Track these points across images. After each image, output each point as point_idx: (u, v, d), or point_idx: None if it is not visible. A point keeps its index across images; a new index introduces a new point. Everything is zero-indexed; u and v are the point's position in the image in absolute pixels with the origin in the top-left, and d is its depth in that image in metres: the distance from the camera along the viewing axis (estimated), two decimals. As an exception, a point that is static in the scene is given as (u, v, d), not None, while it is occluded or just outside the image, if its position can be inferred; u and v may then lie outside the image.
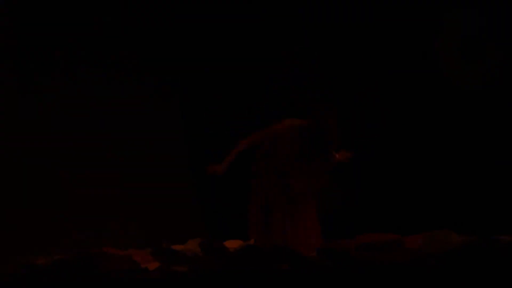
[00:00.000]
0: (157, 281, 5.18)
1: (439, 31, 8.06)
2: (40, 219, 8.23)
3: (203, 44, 8.88)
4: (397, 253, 4.76)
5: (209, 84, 8.78)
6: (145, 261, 5.80)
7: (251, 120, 7.40)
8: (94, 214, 8.40)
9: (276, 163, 6.15)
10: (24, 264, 6.05)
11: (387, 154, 8.22)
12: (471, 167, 7.85)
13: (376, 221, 7.78)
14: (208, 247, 5.54)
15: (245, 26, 8.71)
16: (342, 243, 5.13)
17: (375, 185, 8.27)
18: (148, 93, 8.91)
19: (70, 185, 8.44)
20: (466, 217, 7.44)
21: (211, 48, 8.85)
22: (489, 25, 7.83)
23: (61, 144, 8.47)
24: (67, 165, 8.45)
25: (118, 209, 8.51)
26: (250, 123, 6.63)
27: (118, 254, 5.91)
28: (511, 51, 7.71)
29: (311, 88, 8.28)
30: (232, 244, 6.48)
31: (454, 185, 7.89)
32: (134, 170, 8.68)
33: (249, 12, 8.72)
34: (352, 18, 8.44)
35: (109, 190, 8.53)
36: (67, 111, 8.57)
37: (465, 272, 4.35)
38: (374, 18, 8.29)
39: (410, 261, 4.68)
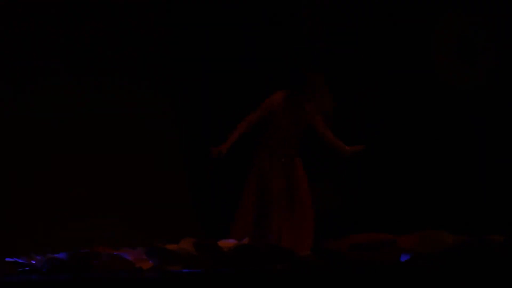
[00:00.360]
0: (151, 281, 5.16)
1: (435, 31, 8.06)
2: (33, 218, 8.23)
3: (194, 40, 8.88)
4: (391, 253, 4.76)
5: (204, 82, 8.77)
6: (138, 260, 5.79)
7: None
8: (87, 213, 8.40)
9: (278, 145, 6.20)
10: (17, 263, 6.05)
11: (381, 154, 8.22)
12: (464, 167, 7.86)
13: (369, 221, 7.78)
14: (202, 246, 5.54)
15: (240, 20, 8.72)
16: (336, 243, 5.12)
17: (369, 184, 8.27)
18: (143, 90, 8.91)
19: (63, 184, 8.45)
20: (459, 217, 7.45)
21: (203, 44, 8.86)
22: (485, 26, 7.84)
23: (54, 143, 8.48)
24: (60, 163, 8.46)
25: (112, 208, 8.51)
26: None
27: (112, 253, 5.91)
28: (506, 52, 7.72)
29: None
30: (226, 243, 6.47)
31: (447, 185, 7.89)
32: (128, 169, 8.68)
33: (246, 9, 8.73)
34: (348, 18, 8.44)
35: (102, 188, 8.54)
36: (60, 108, 8.57)
37: (458, 272, 4.34)
38: (371, 18, 8.30)
39: (404, 261, 4.68)
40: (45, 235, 8.11)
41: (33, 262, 6.24)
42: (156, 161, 8.84)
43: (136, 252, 6.06)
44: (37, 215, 8.27)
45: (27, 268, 6.19)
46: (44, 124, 8.48)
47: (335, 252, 4.94)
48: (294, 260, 5.16)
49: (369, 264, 4.76)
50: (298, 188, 6.34)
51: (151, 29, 8.96)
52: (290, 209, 6.29)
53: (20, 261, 6.40)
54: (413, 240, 5.17)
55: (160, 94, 9.04)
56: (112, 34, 8.82)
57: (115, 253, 6.01)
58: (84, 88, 8.70)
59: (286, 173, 6.31)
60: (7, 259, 6.48)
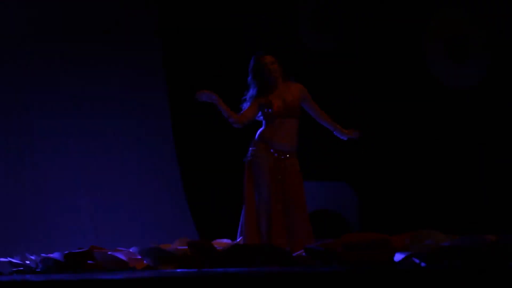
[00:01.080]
0: (145, 281, 5.16)
1: (427, 30, 8.08)
2: (27, 217, 8.24)
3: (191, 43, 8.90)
4: (384, 253, 4.77)
5: (200, 81, 8.77)
6: (133, 260, 5.81)
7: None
8: (82, 212, 8.41)
9: (274, 137, 6.24)
10: (11, 263, 6.06)
11: (374, 154, 8.24)
12: (456, 166, 7.88)
13: (362, 220, 7.81)
14: (197, 246, 5.55)
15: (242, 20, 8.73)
16: (329, 243, 5.14)
17: (362, 184, 8.29)
18: (135, 90, 8.92)
19: (57, 183, 8.45)
20: (451, 216, 7.47)
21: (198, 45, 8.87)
22: (476, 25, 7.86)
23: (46, 143, 8.48)
24: (53, 163, 8.46)
25: (106, 208, 8.51)
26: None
27: (106, 253, 5.92)
28: (498, 51, 7.73)
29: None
30: (220, 243, 6.48)
31: (439, 184, 7.91)
32: (123, 169, 8.69)
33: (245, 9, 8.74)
34: (341, 19, 8.45)
35: (97, 188, 8.54)
36: (58, 108, 8.58)
37: (451, 271, 4.36)
38: (363, 18, 8.31)
39: (396, 261, 4.69)
40: (38, 235, 8.12)
41: (28, 262, 6.25)
42: (151, 160, 8.85)
43: (131, 252, 6.07)
44: (29, 215, 8.28)
45: (22, 268, 6.20)
46: (41, 123, 8.49)
47: (328, 251, 4.95)
48: (287, 259, 5.18)
49: (361, 263, 4.77)
50: (291, 188, 6.33)
51: (148, 28, 8.97)
52: (284, 206, 6.28)
53: (15, 261, 6.41)
54: (405, 240, 5.18)
55: (156, 94, 9.06)
56: (109, 33, 8.83)
57: (109, 253, 6.03)
58: (81, 88, 8.71)
59: (281, 168, 6.30)
60: (1, 259, 6.50)
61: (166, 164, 8.96)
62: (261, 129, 6.33)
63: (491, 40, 7.79)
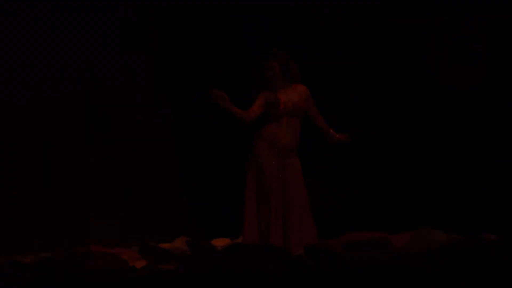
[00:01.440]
0: (145, 280, 5.17)
1: (427, 30, 8.08)
2: (27, 217, 8.24)
3: (189, 43, 8.90)
4: (383, 251, 4.78)
5: (198, 82, 8.78)
6: (132, 259, 5.81)
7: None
8: (81, 212, 8.41)
9: (275, 136, 6.23)
10: (11, 262, 6.05)
11: (373, 153, 8.24)
12: (456, 165, 7.88)
13: (362, 220, 7.80)
14: (196, 245, 5.55)
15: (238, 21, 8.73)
16: (329, 242, 5.15)
17: (360, 184, 8.29)
18: (134, 90, 8.92)
19: (57, 184, 8.46)
20: (451, 215, 7.48)
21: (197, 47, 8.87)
22: (476, 25, 7.87)
23: (46, 143, 8.48)
24: (53, 164, 8.47)
25: (106, 208, 8.52)
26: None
27: (106, 253, 5.92)
28: (498, 51, 7.74)
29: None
30: (219, 242, 6.49)
31: (439, 183, 7.92)
32: (122, 169, 8.69)
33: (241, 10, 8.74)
34: (341, 20, 8.45)
35: (97, 188, 8.55)
36: (57, 110, 8.58)
37: (450, 270, 4.37)
38: (363, 18, 8.31)
39: (396, 259, 4.70)
40: (38, 235, 8.12)
41: (27, 261, 6.24)
42: (151, 160, 8.86)
43: (130, 251, 6.08)
44: (29, 215, 8.28)
45: (21, 268, 6.19)
46: (41, 125, 8.50)
47: (328, 251, 4.96)
48: (286, 259, 5.18)
49: (361, 263, 4.78)
50: (292, 187, 6.33)
51: (147, 31, 8.97)
52: (284, 206, 6.28)
53: (14, 260, 6.40)
54: (405, 239, 5.20)
55: (154, 94, 9.06)
56: (107, 35, 8.83)
57: (109, 252, 6.03)
58: (79, 89, 8.72)
59: (281, 167, 6.30)
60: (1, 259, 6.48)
61: (166, 163, 8.96)
62: (263, 127, 6.32)
63: (492, 41, 7.79)
